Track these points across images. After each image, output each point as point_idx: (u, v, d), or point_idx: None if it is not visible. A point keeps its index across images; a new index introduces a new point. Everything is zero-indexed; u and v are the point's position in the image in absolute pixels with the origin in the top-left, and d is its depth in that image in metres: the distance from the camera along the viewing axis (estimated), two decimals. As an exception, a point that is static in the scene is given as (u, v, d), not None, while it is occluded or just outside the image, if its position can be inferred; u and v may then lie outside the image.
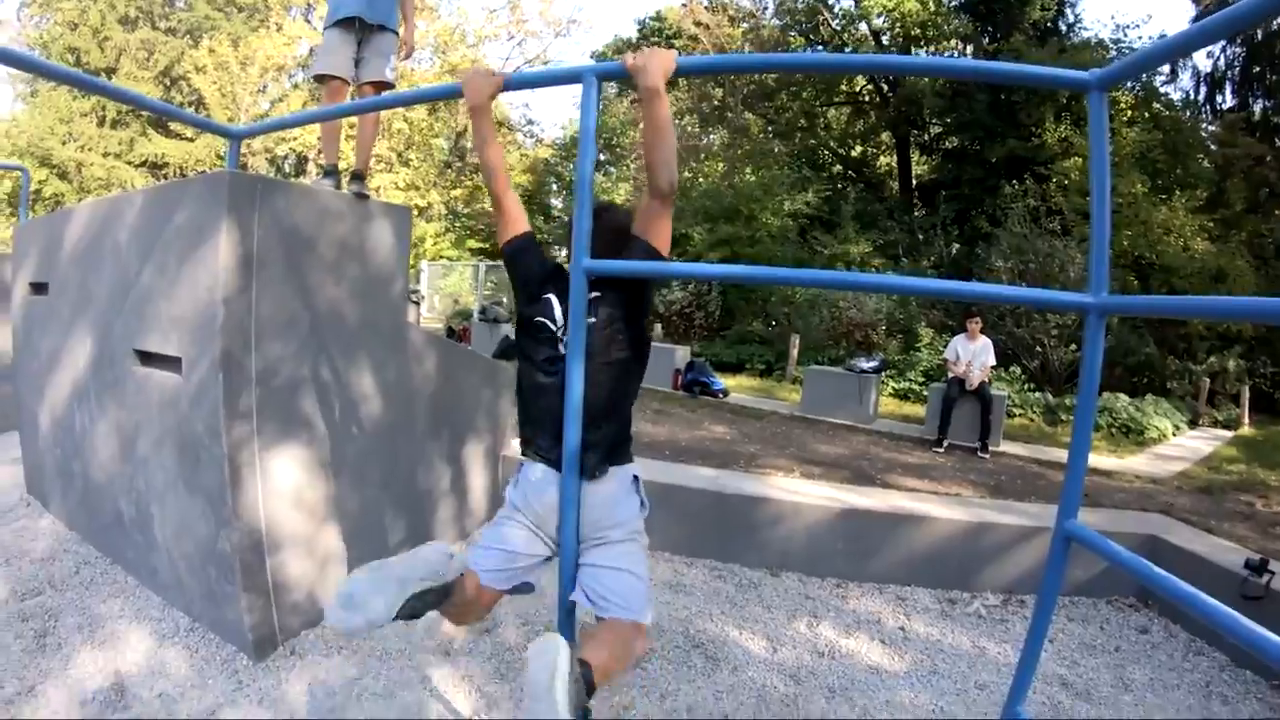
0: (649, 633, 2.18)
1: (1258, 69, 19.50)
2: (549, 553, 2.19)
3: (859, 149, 26.03)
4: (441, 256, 28.10)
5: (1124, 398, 10.76)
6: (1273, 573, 3.71)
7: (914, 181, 23.82)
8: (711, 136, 26.73)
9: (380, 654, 3.20)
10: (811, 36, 23.27)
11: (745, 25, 24.53)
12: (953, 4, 20.96)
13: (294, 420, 3.23)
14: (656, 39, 25.74)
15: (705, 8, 24.37)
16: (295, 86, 28.97)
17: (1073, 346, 12.31)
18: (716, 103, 24.94)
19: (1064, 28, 20.89)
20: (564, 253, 2.53)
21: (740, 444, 6.98)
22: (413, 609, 1.84)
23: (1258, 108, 19.63)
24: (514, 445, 5.19)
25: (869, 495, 4.94)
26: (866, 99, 24.60)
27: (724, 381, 11.28)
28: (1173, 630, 4.01)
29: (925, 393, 10.74)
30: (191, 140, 27.57)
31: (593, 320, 2.09)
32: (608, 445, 2.15)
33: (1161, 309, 1.89)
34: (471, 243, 29.47)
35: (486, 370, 4.91)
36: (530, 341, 2.24)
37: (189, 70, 26.62)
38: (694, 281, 17.06)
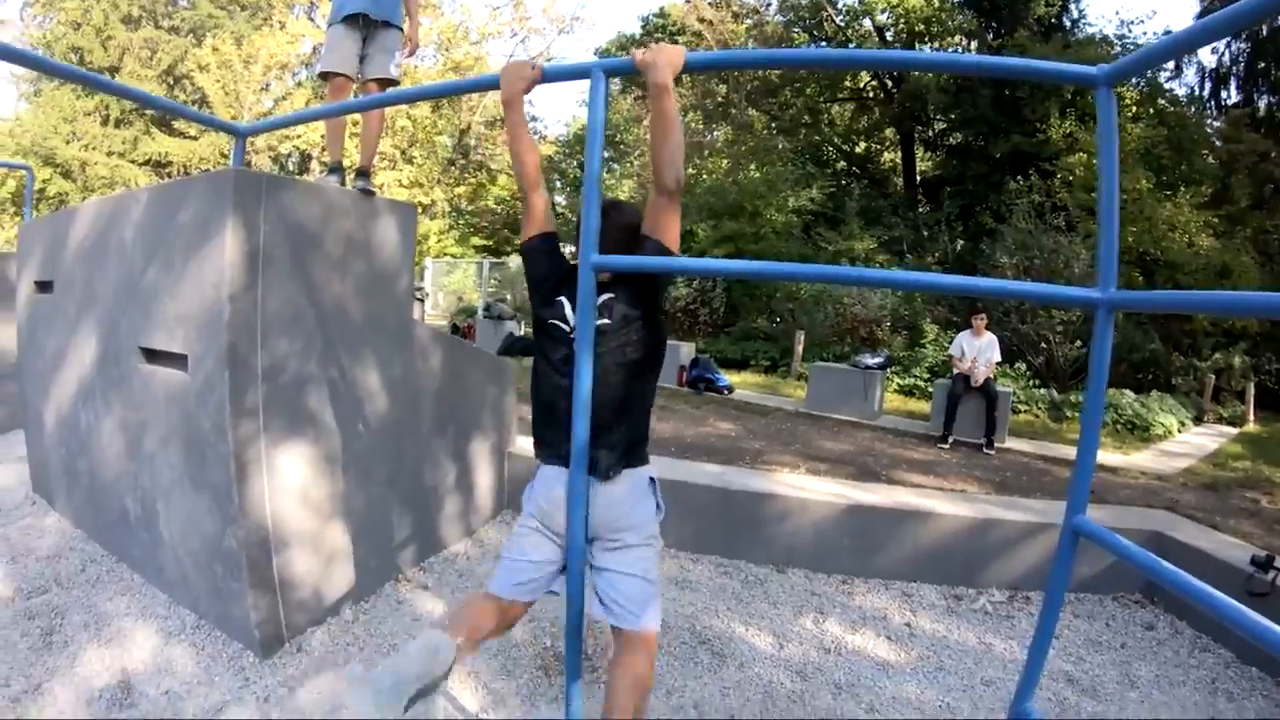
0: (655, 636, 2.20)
1: (1262, 65, 19.44)
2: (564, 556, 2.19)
3: (863, 145, 25.99)
4: (445, 254, 28.15)
5: (1129, 394, 10.75)
6: (1278, 569, 3.69)
7: (918, 178, 23.79)
8: (715, 133, 26.72)
9: (387, 650, 3.20)
10: (815, 32, 23.23)
11: (749, 21, 24.49)
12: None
13: (300, 417, 3.23)
14: (660, 35, 25.69)
15: (709, 4, 24.32)
16: (299, 85, 29.05)
17: (1077, 343, 12.30)
18: (720, 99, 24.91)
19: (1068, 24, 20.83)
20: (569, 250, 2.51)
21: (745, 440, 6.98)
22: (414, 703, 1.79)
23: (1263, 103, 19.58)
24: (520, 442, 5.19)
25: (875, 491, 4.93)
26: (870, 95, 24.56)
27: (729, 378, 11.28)
28: (1178, 627, 4.00)
29: (930, 389, 10.73)
30: (195, 139, 27.63)
31: (606, 321, 2.09)
32: (623, 446, 2.14)
33: (1170, 304, 1.88)
34: (475, 240, 29.52)
35: (492, 367, 4.91)
36: (546, 341, 2.24)
37: (192, 69, 26.69)
38: (698, 278, 17.06)
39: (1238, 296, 1.39)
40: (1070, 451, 7.80)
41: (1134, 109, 17.77)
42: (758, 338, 16.00)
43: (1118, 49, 18.52)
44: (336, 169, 4.01)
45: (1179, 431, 10.34)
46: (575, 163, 29.44)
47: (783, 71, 22.69)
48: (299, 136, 25.94)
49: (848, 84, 24.47)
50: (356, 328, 3.51)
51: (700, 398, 10.08)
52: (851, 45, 22.18)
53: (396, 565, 3.95)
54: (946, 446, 7.68)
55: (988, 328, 8.44)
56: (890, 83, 22.89)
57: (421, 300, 18.05)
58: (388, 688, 1.70)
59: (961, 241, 19.16)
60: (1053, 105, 18.09)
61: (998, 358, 8.31)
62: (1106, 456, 7.58)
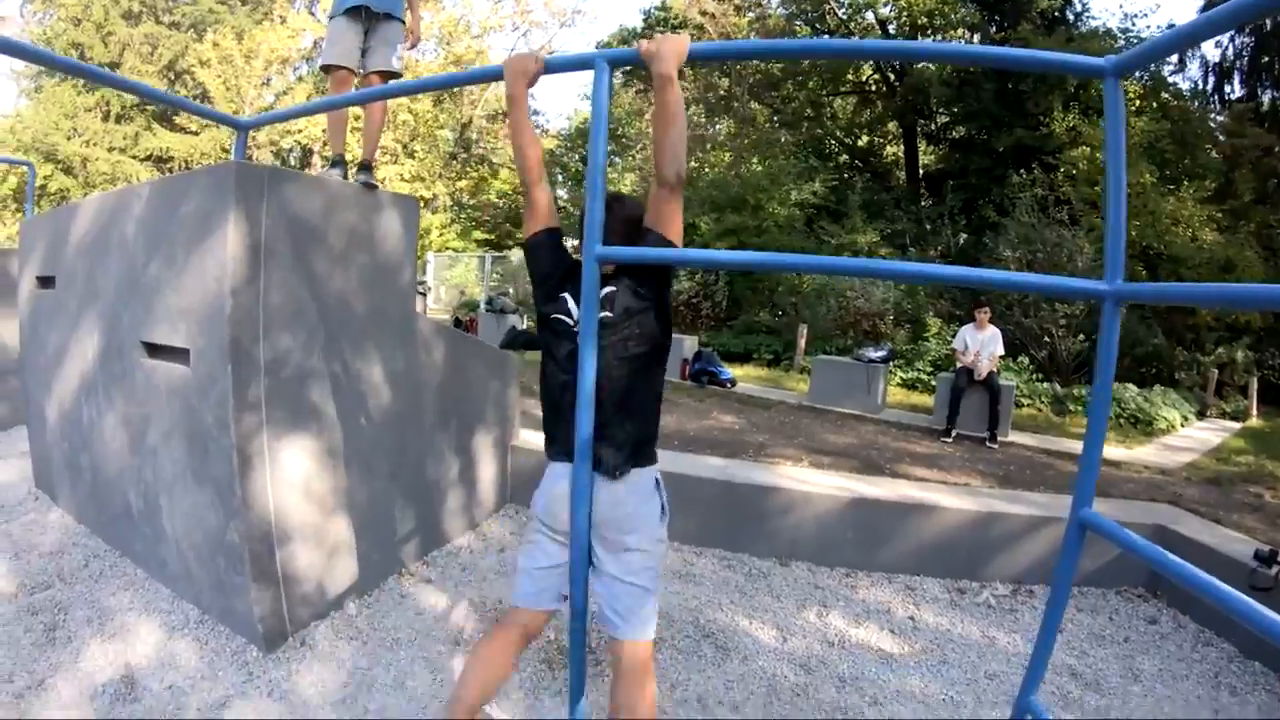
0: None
1: (1266, 59, 19.38)
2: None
3: (865, 139, 25.95)
4: (447, 248, 28.13)
5: (1132, 388, 10.74)
6: (1282, 563, 3.69)
7: (921, 171, 23.75)
8: (718, 126, 26.67)
9: (390, 644, 3.21)
10: (818, 25, 23.16)
11: (751, 14, 24.42)
12: (959, -8, 20.86)
13: (303, 411, 3.22)
14: (662, 28, 25.62)
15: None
16: (300, 79, 29.00)
17: (1080, 336, 12.29)
18: (723, 92, 24.86)
19: (1071, 17, 20.76)
20: (571, 244, 2.50)
21: (748, 434, 6.97)
22: None
23: (1266, 98, 19.53)
24: (523, 435, 5.19)
25: (878, 485, 4.93)
26: (873, 88, 24.51)
27: (731, 371, 11.27)
28: (1181, 621, 3.99)
29: (933, 382, 10.74)
30: (196, 134, 27.61)
31: (608, 314, 2.07)
32: (630, 444, 2.13)
33: (1177, 296, 1.86)
34: (477, 234, 29.51)
35: (494, 360, 4.90)
36: (550, 337, 2.23)
37: (193, 64, 26.67)
38: (701, 271, 17.04)
39: (1244, 289, 1.38)
40: (1073, 445, 7.80)
41: (1138, 103, 17.72)
42: (760, 331, 15.99)
43: (1121, 42, 18.45)
44: (339, 162, 4.00)
45: (1182, 426, 10.32)
46: (577, 157, 29.41)
47: (785, 64, 22.61)
48: (300, 131, 25.93)
49: (850, 77, 24.41)
50: (359, 321, 3.50)
51: (703, 391, 10.07)
52: (854, 38, 22.10)
53: (399, 559, 3.95)
54: (949, 440, 7.67)
55: (991, 321, 8.42)
56: (893, 76, 22.84)
57: (424, 294, 18.05)
58: None
59: (964, 235, 19.14)
60: (1056, 99, 18.05)
61: (1001, 351, 8.28)
62: (1109, 450, 7.56)
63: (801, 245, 17.44)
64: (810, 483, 4.77)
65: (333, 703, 2.77)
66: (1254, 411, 12.44)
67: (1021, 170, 16.67)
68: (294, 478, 3.18)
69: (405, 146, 28.34)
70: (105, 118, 27.80)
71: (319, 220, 3.25)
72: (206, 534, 3.14)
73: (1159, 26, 19.81)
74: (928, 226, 19.59)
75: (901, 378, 12.60)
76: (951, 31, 21.12)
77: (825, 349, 13.24)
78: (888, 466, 5.90)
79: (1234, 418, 12.12)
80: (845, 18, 22.86)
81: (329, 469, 3.38)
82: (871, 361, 9.61)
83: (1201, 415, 11.88)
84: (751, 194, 18.14)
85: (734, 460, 5.42)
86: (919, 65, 21.40)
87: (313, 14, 29.02)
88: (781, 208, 18.10)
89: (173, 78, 28.23)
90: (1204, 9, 16.31)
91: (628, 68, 2.10)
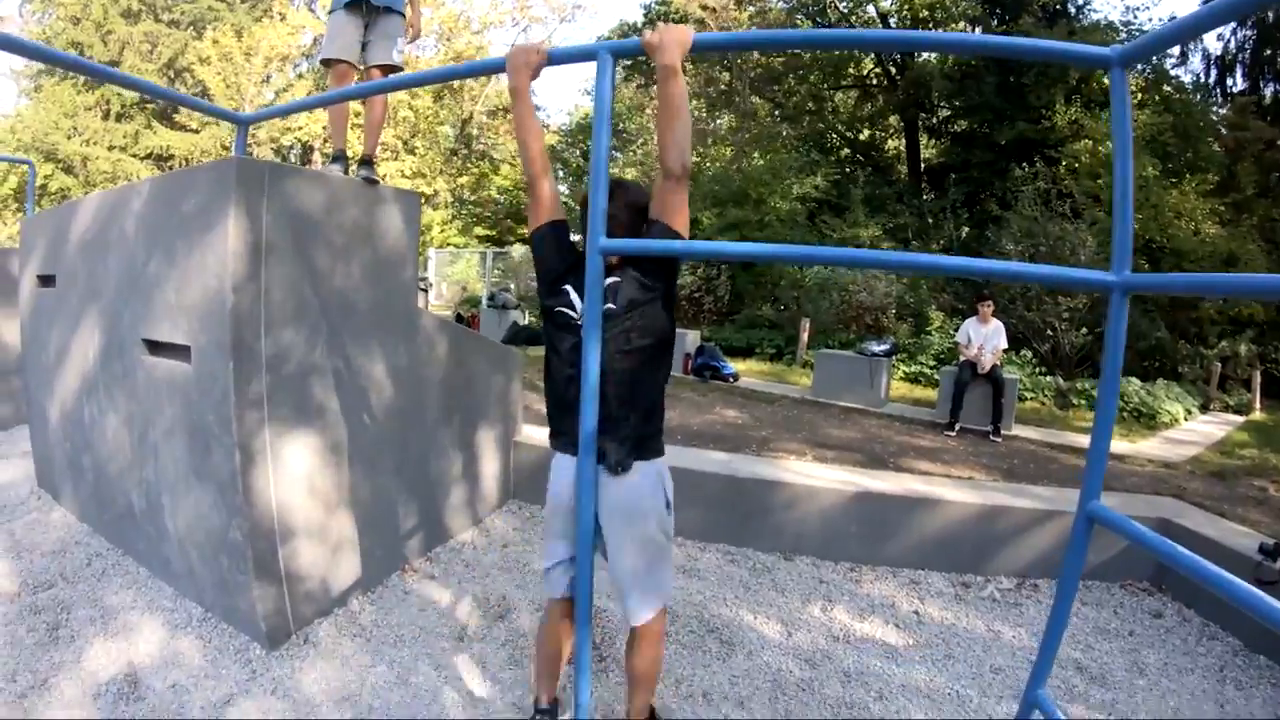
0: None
1: (1269, 52, 19.31)
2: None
3: (867, 132, 25.85)
4: (449, 244, 28.13)
5: (1136, 382, 10.71)
6: (1288, 557, 3.68)
7: (922, 165, 23.67)
8: (719, 120, 26.62)
9: (394, 641, 3.20)
10: (819, 19, 23.07)
11: (752, 9, 24.34)
12: (960, -15, 20.76)
13: (305, 407, 3.21)
14: (663, 22, 25.53)
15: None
16: (300, 76, 28.96)
17: (1083, 330, 12.26)
18: (724, 86, 24.80)
19: (1073, 9, 20.65)
20: (574, 238, 2.49)
21: (752, 428, 6.96)
22: None
23: (1269, 91, 19.46)
24: (526, 431, 5.19)
25: (882, 479, 4.92)
26: (874, 82, 24.43)
27: (734, 366, 11.27)
28: (1186, 615, 3.98)
29: (936, 376, 10.72)
30: (197, 132, 27.57)
31: (611, 306, 2.05)
32: (633, 439, 2.13)
33: (1184, 286, 1.86)
34: (479, 230, 29.50)
35: (497, 356, 4.89)
36: (554, 331, 2.22)
37: (193, 62, 26.63)
38: (703, 265, 17.02)
39: (1250, 279, 1.36)
40: (1076, 439, 7.79)
41: (1140, 96, 17.63)
42: (763, 325, 15.96)
43: (1123, 35, 18.37)
44: (340, 158, 3.98)
45: (1185, 419, 10.29)
46: (578, 151, 29.37)
47: (786, 58, 22.56)
48: (300, 128, 25.89)
49: (851, 71, 24.33)
50: (361, 317, 3.49)
51: (706, 386, 10.07)
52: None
53: (403, 555, 3.95)
54: (953, 434, 7.65)
55: (994, 315, 8.40)
56: (894, 69, 22.76)
57: (425, 290, 18.05)
58: None
59: (967, 229, 19.09)
60: (1058, 92, 17.95)
61: (1004, 345, 8.26)
62: (1114, 444, 7.49)
63: (803, 239, 17.38)
64: (814, 477, 4.75)
65: (336, 700, 2.76)
66: (1257, 405, 12.39)
67: (1024, 164, 16.59)
68: (297, 474, 3.18)
69: (406, 143, 28.31)
70: (105, 116, 27.77)
71: (320, 216, 3.23)
72: (209, 532, 3.14)
73: (1160, 20, 19.73)
74: (930, 220, 19.54)
75: (904, 371, 12.59)
76: (953, 25, 21.00)
77: (828, 343, 13.22)
78: (891, 460, 5.90)
79: (1237, 411, 12.07)
80: (846, 11, 22.78)
81: (332, 465, 3.37)
82: (874, 355, 9.59)
83: (1205, 409, 11.84)
84: (753, 188, 18.09)
85: (737, 455, 5.41)
86: (920, 59, 21.32)
87: (312, 11, 29.00)
88: (783, 202, 18.05)
89: (173, 76, 28.18)
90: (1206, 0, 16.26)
91: (630, 60, 2.08)
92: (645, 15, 27.05)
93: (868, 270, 14.11)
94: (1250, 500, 5.39)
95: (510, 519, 4.80)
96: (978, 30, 20.79)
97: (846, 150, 25.44)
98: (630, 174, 25.95)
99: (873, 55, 23.29)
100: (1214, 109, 19.49)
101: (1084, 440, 7.44)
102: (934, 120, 23.63)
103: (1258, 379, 12.88)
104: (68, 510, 4.37)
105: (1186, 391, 11.58)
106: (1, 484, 4.87)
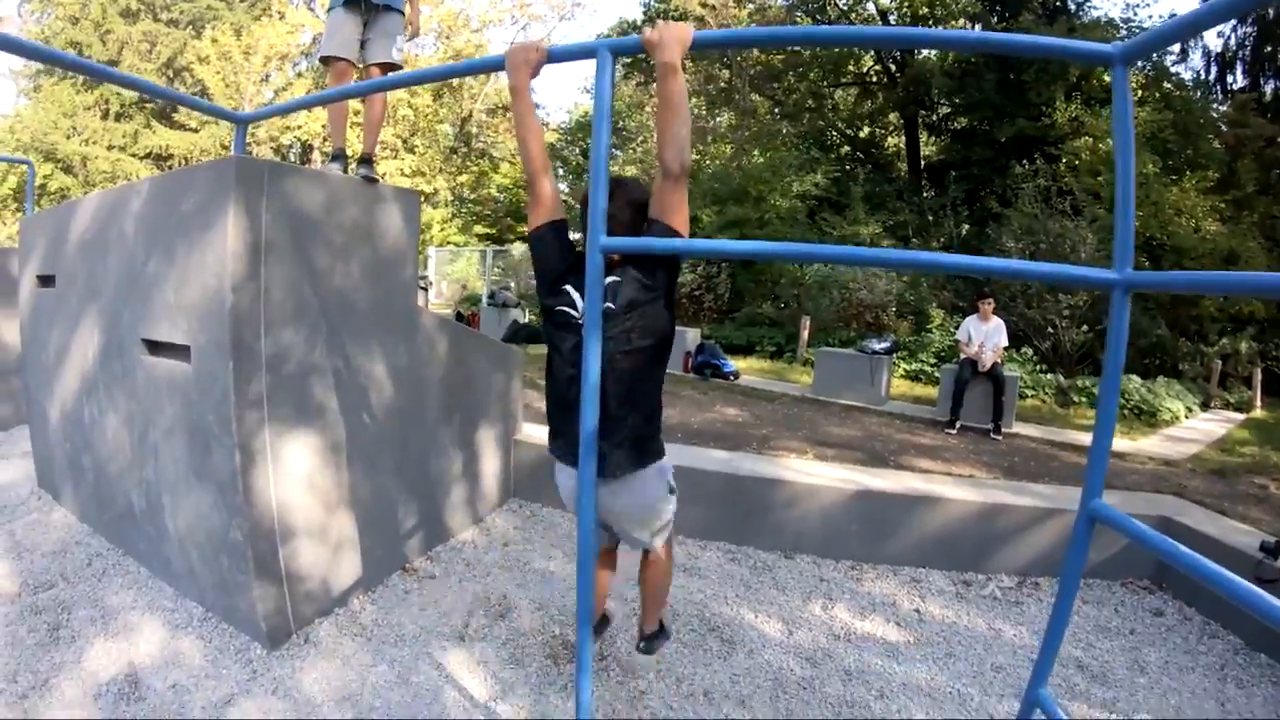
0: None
1: (1269, 48, 19.28)
2: None
3: (867, 130, 25.82)
4: (448, 243, 28.12)
5: (1136, 379, 10.70)
6: (1288, 555, 3.67)
7: (923, 162, 23.64)
8: (719, 118, 26.59)
9: (394, 640, 3.20)
10: (818, 17, 23.03)
11: (751, 5, 24.31)
12: (960, -18, 20.72)
13: (305, 407, 3.21)
14: (663, 20, 25.48)
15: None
16: (299, 75, 28.94)
17: (1084, 327, 12.25)
18: (724, 84, 24.78)
19: (1073, 6, 20.62)
20: (574, 236, 2.50)
21: (752, 426, 6.96)
22: None
23: (1269, 88, 19.42)
24: (526, 429, 5.19)
25: (882, 477, 4.91)
26: (874, 79, 24.39)
27: (734, 364, 11.26)
28: (1187, 613, 3.98)
29: (937, 374, 10.72)
30: (196, 131, 27.56)
31: (610, 305, 2.05)
32: (631, 443, 2.13)
33: (1186, 284, 1.85)
34: (478, 228, 29.49)
35: (497, 354, 4.89)
36: (555, 331, 2.22)
37: (192, 61, 26.61)
38: (703, 263, 17.01)
39: (1253, 277, 1.36)
40: (1077, 436, 7.79)
41: (1140, 93, 17.60)
42: (763, 323, 15.95)
43: (1123, 33, 18.34)
44: (339, 157, 3.98)
45: (1186, 417, 10.28)
46: (578, 150, 29.34)
47: (786, 56, 22.52)
48: (300, 127, 25.88)
49: (851, 68, 24.30)
50: (361, 316, 3.49)
51: (706, 383, 10.07)
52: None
53: (403, 554, 3.94)
54: (954, 431, 7.65)
55: (994, 313, 8.40)
56: (894, 67, 22.73)
57: (425, 289, 18.05)
58: None
59: (967, 226, 19.08)
60: (1058, 89, 17.92)
61: (1005, 342, 8.26)
62: (1114, 442, 7.50)
63: (804, 237, 17.35)
64: (815, 475, 4.75)
65: (337, 700, 2.76)
66: (1258, 402, 12.37)
67: (1024, 161, 16.54)
68: (297, 474, 3.17)
69: (405, 141, 28.29)
70: (104, 116, 27.76)
71: (320, 215, 3.23)
72: (209, 532, 3.14)
73: (1160, 16, 19.69)
74: (930, 218, 19.53)
75: (905, 369, 12.57)
76: (952, 22, 20.97)
77: (828, 341, 13.22)
78: (892, 458, 5.89)
79: (1238, 409, 12.06)
80: (846, 8, 22.76)
81: (332, 465, 3.37)
82: (875, 353, 9.59)
83: (1205, 406, 11.83)
84: (753, 186, 18.08)
85: (738, 453, 5.40)
86: (920, 56, 21.30)
87: (311, 9, 28.95)
88: (783, 199, 18.04)
89: (172, 75, 28.16)
90: (1207, -3, 16.23)
91: (629, 58, 2.07)
92: (645, 12, 27.02)
93: (868, 268, 14.11)
94: (1251, 498, 5.39)
95: (511, 518, 4.80)
96: (977, 26, 20.77)
97: (846, 147, 25.40)
98: (630, 172, 25.95)
99: (873, 52, 23.25)
100: (1214, 106, 19.46)
101: (1085, 438, 7.44)
102: (934, 117, 23.60)
103: (1258, 376, 12.86)
104: (68, 510, 4.37)
105: (1187, 389, 11.56)
106: (2, 484, 4.86)
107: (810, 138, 23.68)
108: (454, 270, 25.47)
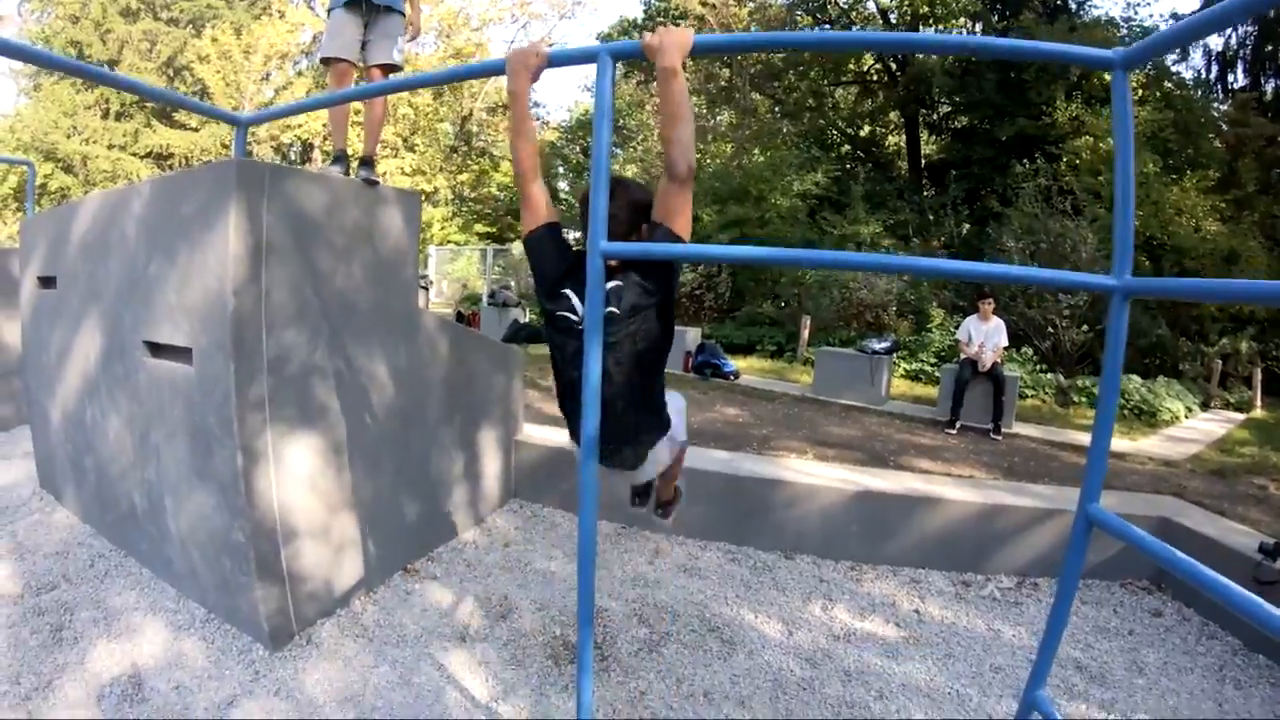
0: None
1: (1270, 48, 19.24)
2: None
3: (867, 129, 25.81)
4: (449, 241, 28.13)
5: (1136, 379, 10.69)
6: (1287, 556, 3.68)
7: (923, 161, 23.63)
8: (719, 117, 26.57)
9: (396, 641, 3.21)
10: (819, 16, 23.05)
11: (751, 5, 24.30)
12: (960, -20, 20.71)
13: (307, 408, 3.22)
14: (663, 19, 25.46)
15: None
16: (299, 74, 28.94)
17: (1084, 327, 12.24)
18: (724, 83, 24.76)
19: (1074, 5, 20.60)
20: (572, 236, 2.50)
21: (753, 426, 6.96)
22: None
23: (1269, 87, 19.37)
24: (527, 430, 5.20)
25: (882, 477, 4.92)
26: (875, 78, 24.37)
27: (735, 363, 11.26)
28: (1186, 614, 3.98)
29: (937, 374, 10.72)
30: (196, 130, 27.55)
31: (613, 310, 2.04)
32: (640, 436, 2.23)
33: (1186, 292, 1.86)
34: (479, 227, 29.49)
35: (498, 355, 4.89)
36: (556, 335, 2.22)
37: (192, 60, 26.61)
38: (703, 263, 17.01)
39: (1253, 285, 1.37)
40: (1077, 436, 7.79)
41: (1140, 92, 17.58)
42: (763, 323, 15.94)
43: (1124, 31, 18.34)
44: (340, 158, 3.98)
45: (1186, 417, 10.27)
46: (579, 148, 29.32)
47: (786, 55, 22.49)
48: (300, 126, 25.89)
49: (852, 67, 24.27)
50: (362, 317, 3.50)
51: (706, 383, 10.07)
52: (855, 28, 22.01)
53: (405, 555, 3.95)
54: (954, 432, 7.66)
55: (995, 313, 8.40)
56: (894, 66, 22.70)
57: (426, 288, 18.05)
58: None
59: (967, 225, 19.06)
60: (1059, 88, 17.90)
61: (1005, 342, 8.26)
62: (1114, 442, 7.48)
63: (804, 236, 17.34)
64: (815, 475, 4.75)
65: (339, 700, 2.77)
66: (1258, 402, 12.36)
67: (1024, 160, 16.51)
68: (298, 475, 3.18)
69: (405, 140, 28.30)
70: (105, 115, 27.75)
71: (321, 216, 3.24)
72: (211, 533, 3.14)
73: (1161, 15, 19.69)
74: (930, 217, 19.50)
75: (905, 369, 12.56)
76: (953, 21, 20.99)
77: (828, 340, 13.21)
78: (892, 458, 5.90)
79: (1238, 409, 12.05)
80: (846, 7, 22.76)
81: (333, 466, 3.38)
82: (875, 353, 9.58)
83: (1205, 406, 11.82)
84: (754, 185, 18.05)
85: (738, 453, 5.41)
86: (921, 55, 21.28)
87: (311, 8, 28.96)
88: (784, 198, 18.00)
89: (172, 74, 28.15)
90: (1209, 2, 16.21)
91: (630, 60, 2.08)
92: (645, 12, 27.04)
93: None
94: (1250, 498, 5.39)
95: (512, 518, 4.81)
96: (978, 25, 20.76)
97: (847, 146, 25.39)
98: (630, 171, 25.92)
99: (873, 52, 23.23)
100: (1215, 105, 19.41)
101: (1085, 438, 7.44)
102: (934, 116, 23.59)
103: (1259, 376, 12.85)
104: (70, 511, 4.38)
105: (1187, 389, 11.55)
106: (3, 485, 4.87)
107: (811, 136, 23.66)
108: (454, 269, 25.49)
